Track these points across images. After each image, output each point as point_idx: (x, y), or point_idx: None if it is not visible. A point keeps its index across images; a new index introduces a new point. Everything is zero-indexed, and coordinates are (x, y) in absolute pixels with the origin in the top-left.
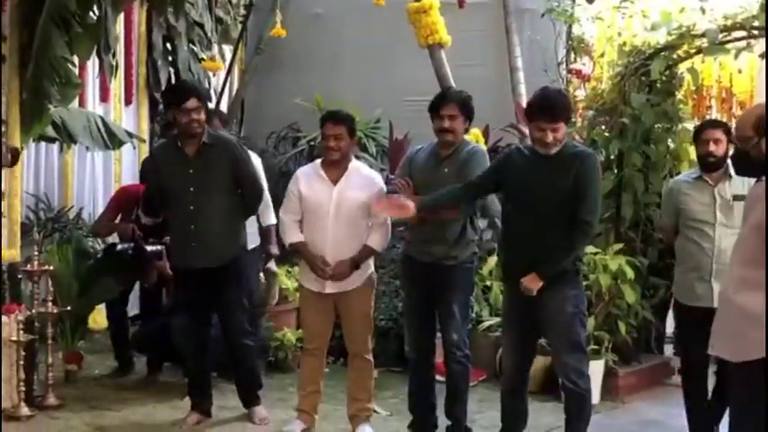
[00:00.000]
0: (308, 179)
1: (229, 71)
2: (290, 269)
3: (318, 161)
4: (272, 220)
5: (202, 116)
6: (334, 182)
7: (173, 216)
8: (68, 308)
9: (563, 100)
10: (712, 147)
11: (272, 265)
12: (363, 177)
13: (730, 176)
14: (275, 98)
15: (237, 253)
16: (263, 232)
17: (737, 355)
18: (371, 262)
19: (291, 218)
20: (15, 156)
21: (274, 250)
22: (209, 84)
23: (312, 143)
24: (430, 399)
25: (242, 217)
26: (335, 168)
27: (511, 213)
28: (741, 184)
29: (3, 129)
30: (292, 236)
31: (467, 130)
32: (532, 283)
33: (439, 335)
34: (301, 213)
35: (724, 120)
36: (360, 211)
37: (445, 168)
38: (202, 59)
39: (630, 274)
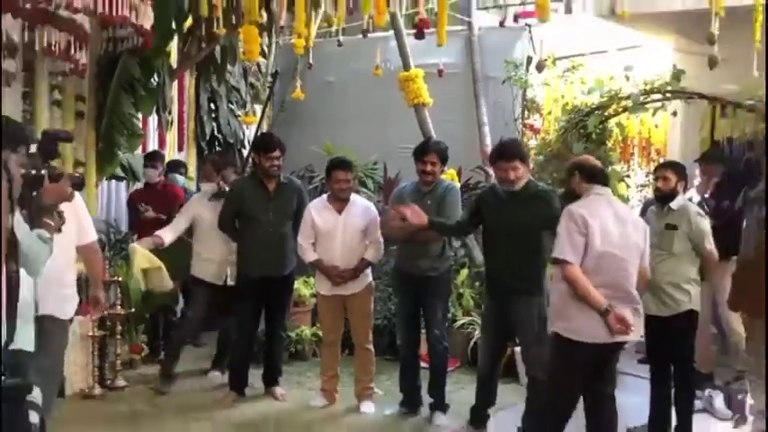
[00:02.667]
0: (318, 211)
1: (259, 124)
2: (306, 279)
3: (325, 196)
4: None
5: (281, 162)
6: (340, 212)
7: (251, 234)
8: (132, 310)
9: (515, 144)
10: (660, 183)
11: None
12: (362, 208)
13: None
14: (295, 145)
15: (292, 269)
16: None
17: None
18: (369, 272)
19: (307, 241)
20: (80, 183)
21: None
22: (244, 134)
23: (323, 181)
24: (416, 382)
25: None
26: (340, 201)
27: (487, 240)
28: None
29: (81, 170)
30: (309, 256)
31: (443, 172)
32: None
33: (424, 331)
34: (314, 237)
35: (643, 164)
36: (360, 233)
37: (428, 201)
38: (239, 115)
39: None
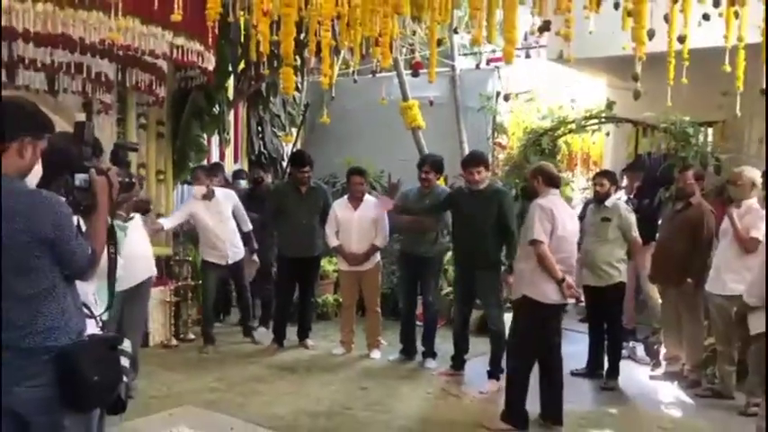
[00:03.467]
0: (340, 208)
1: (295, 143)
2: (330, 259)
3: (346, 197)
4: (249, 227)
5: (310, 173)
6: (355, 208)
7: (288, 225)
8: (201, 281)
9: (480, 154)
10: (598, 188)
11: (255, 257)
12: (372, 205)
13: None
14: (322, 158)
15: (319, 251)
16: (246, 235)
17: (514, 296)
18: (378, 254)
19: (332, 231)
20: (146, 207)
21: (254, 246)
22: (283, 150)
23: (344, 185)
24: (412, 336)
25: (321, 228)
26: (356, 200)
27: (456, 226)
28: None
29: (162, 177)
30: (333, 242)
31: (438, 179)
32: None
33: (419, 298)
34: (337, 227)
35: (584, 172)
36: (371, 224)
37: (426, 200)
38: (279, 135)
39: None
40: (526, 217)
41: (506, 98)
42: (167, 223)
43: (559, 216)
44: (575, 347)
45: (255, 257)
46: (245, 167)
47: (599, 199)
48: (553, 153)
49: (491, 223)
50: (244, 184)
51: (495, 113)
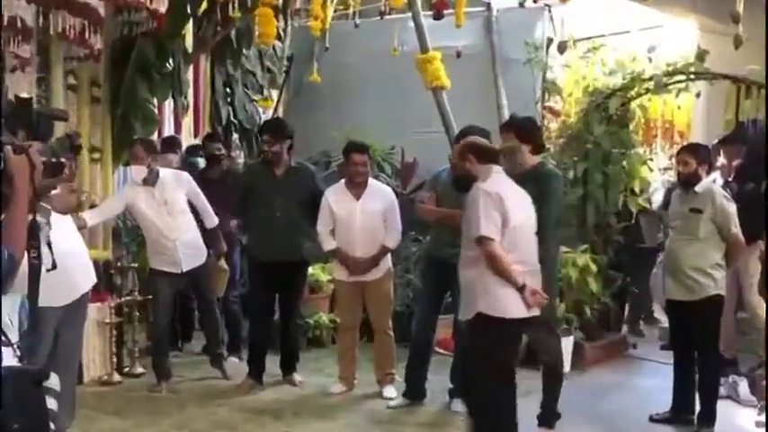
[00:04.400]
0: (336, 197)
1: (276, 109)
2: (324, 265)
3: (342, 182)
4: (214, 222)
5: (275, 148)
6: (357, 198)
7: (259, 219)
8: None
9: (518, 120)
10: (681, 167)
11: (222, 263)
12: (380, 192)
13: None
14: (311, 130)
15: (304, 253)
16: (210, 234)
17: (466, 315)
18: (389, 257)
19: (326, 229)
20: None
21: (222, 247)
22: (261, 119)
23: (341, 167)
24: (423, 370)
25: (310, 223)
26: (358, 187)
27: None
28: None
29: (97, 156)
30: (328, 244)
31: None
32: None
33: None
34: (332, 224)
35: (666, 146)
36: (379, 219)
37: None
38: (255, 100)
39: (593, 268)
40: (466, 208)
41: (561, 48)
42: (92, 218)
43: (510, 201)
44: (654, 383)
45: (224, 263)
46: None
47: (685, 183)
48: (624, 121)
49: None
50: (202, 164)
51: (546, 68)
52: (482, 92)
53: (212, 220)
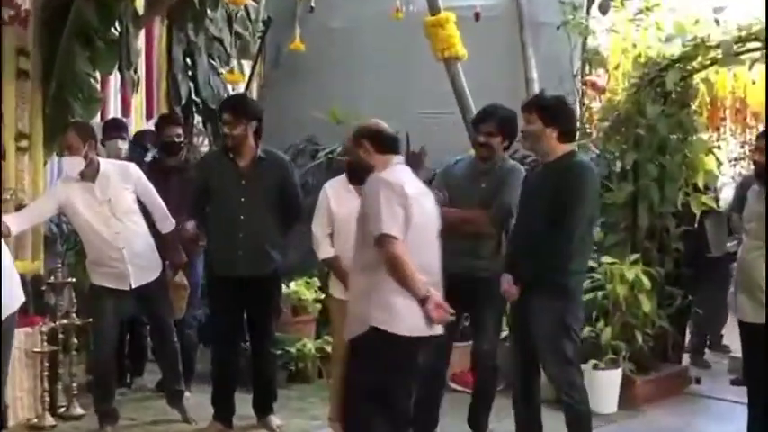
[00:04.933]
0: (336, 193)
1: (248, 85)
2: (308, 280)
3: (344, 176)
4: (171, 226)
5: (237, 131)
6: (359, 194)
7: (219, 223)
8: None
9: (543, 98)
10: (757, 156)
11: (181, 277)
12: None
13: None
14: (293, 111)
15: (275, 266)
16: (165, 240)
17: (353, 331)
18: None
19: (323, 231)
20: None
21: (181, 258)
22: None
23: (330, 156)
24: (435, 409)
25: (282, 231)
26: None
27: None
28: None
29: (25, 144)
30: (325, 251)
31: (506, 149)
32: (507, 285)
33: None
34: (331, 226)
35: (738, 131)
36: None
37: (482, 183)
38: (222, 73)
39: (647, 283)
40: (361, 203)
41: (605, 7)
42: (17, 222)
43: (413, 196)
44: (723, 428)
45: (183, 278)
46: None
47: (763, 176)
48: (684, 99)
49: (550, 216)
50: (150, 154)
51: (586, 33)
52: (507, 63)
53: (168, 224)
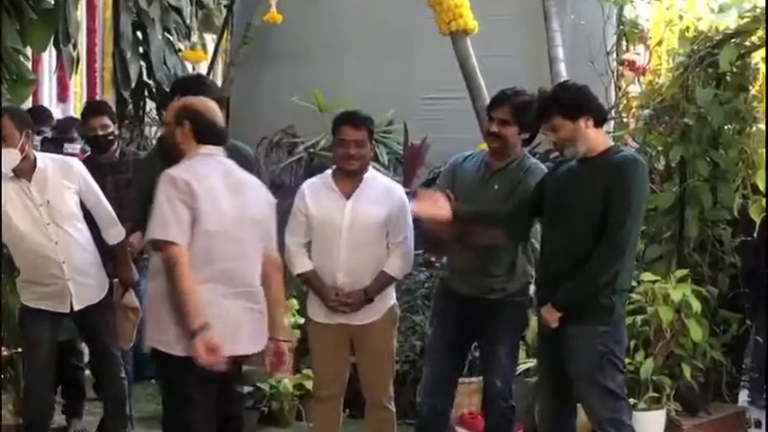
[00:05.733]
0: (316, 193)
1: (212, 64)
2: (288, 301)
3: (329, 171)
4: (120, 236)
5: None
6: (348, 195)
7: None
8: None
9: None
10: None
11: (131, 298)
12: (382, 189)
13: None
14: (267, 96)
15: None
16: (113, 253)
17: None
18: (392, 292)
19: (298, 241)
20: None
21: (132, 276)
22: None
23: (312, 150)
24: None
25: None
26: (349, 179)
27: (545, 236)
28: None
29: None
30: (300, 264)
31: (528, 142)
32: (548, 314)
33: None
34: (308, 234)
35: None
36: (378, 231)
37: (495, 184)
38: (180, 50)
39: (697, 306)
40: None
41: None
42: None
43: (206, 193)
44: None
45: (134, 299)
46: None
47: None
48: (741, 82)
49: (598, 226)
50: (76, 148)
51: (624, 3)
52: (527, 38)
53: (117, 233)
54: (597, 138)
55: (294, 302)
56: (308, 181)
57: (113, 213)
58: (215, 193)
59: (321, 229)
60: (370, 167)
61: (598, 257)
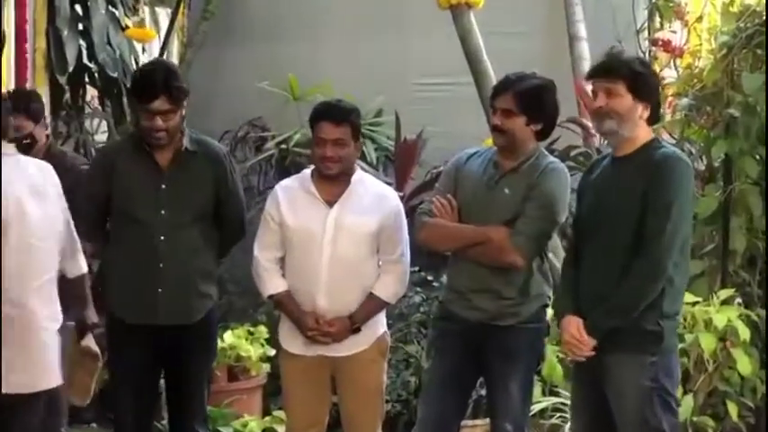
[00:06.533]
0: (292, 199)
1: (165, 45)
2: (251, 329)
3: (308, 172)
4: (83, 268)
5: (175, 122)
6: (331, 202)
7: (127, 246)
8: None
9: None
10: None
11: (89, 341)
12: (372, 194)
13: None
14: (231, 82)
15: (211, 306)
16: (72, 288)
17: None
18: (382, 318)
19: (269, 256)
20: None
21: (93, 316)
22: (137, 62)
23: (284, 146)
24: None
25: (217, 255)
26: (333, 183)
27: (584, 249)
28: None
29: None
30: (272, 284)
31: (543, 136)
32: (579, 335)
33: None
34: (282, 248)
35: None
36: (367, 246)
37: (505, 188)
38: (125, 27)
39: (744, 332)
40: None
41: None
42: None
43: (11, 199)
44: None
45: (92, 343)
46: (47, 102)
47: None
48: None
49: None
50: None
51: None
52: (542, 12)
53: (77, 263)
54: (641, 132)
55: (263, 330)
56: (283, 183)
57: (78, 241)
58: (18, 199)
59: (298, 243)
60: (357, 168)
61: (634, 275)
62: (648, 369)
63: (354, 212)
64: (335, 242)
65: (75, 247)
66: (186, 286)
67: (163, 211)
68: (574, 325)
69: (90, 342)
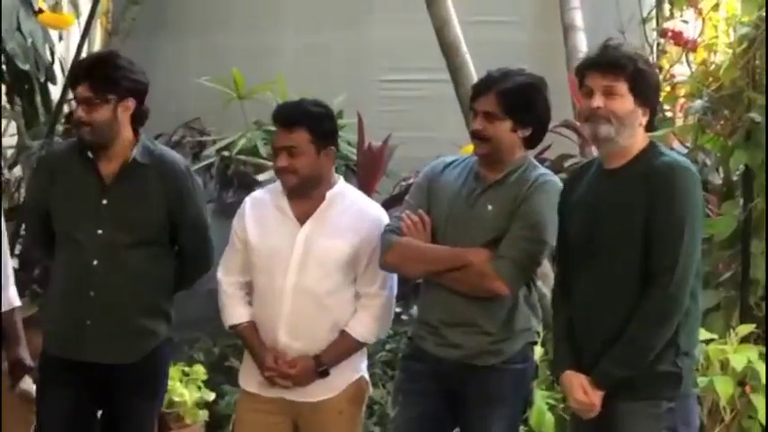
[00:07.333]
0: (260, 214)
1: (86, 32)
2: (186, 369)
3: (274, 187)
4: (13, 302)
5: (100, 115)
6: (302, 219)
7: (62, 269)
8: None
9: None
10: None
11: (27, 383)
12: (352, 212)
13: None
14: (164, 77)
15: (157, 344)
16: (4, 323)
17: None
18: (360, 361)
19: (233, 280)
20: None
21: (26, 357)
22: (53, 53)
23: (226, 153)
24: None
25: (172, 288)
26: (305, 197)
27: (563, 273)
28: None
29: None
30: (234, 313)
31: (532, 144)
32: (584, 394)
33: None
34: (246, 273)
35: None
36: (340, 272)
37: (488, 204)
38: (37, 10)
39: (765, 375)
40: None
41: None
42: None
43: None
44: None
45: (30, 385)
46: None
47: None
48: None
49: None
50: None
51: None
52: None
53: (7, 296)
54: (637, 140)
55: (200, 370)
56: (255, 194)
57: (10, 267)
58: None
59: (262, 266)
60: (339, 180)
61: (645, 313)
62: (665, 418)
63: (328, 232)
64: (303, 267)
65: (5, 276)
66: (121, 320)
67: (100, 231)
68: (578, 387)
69: (28, 385)
